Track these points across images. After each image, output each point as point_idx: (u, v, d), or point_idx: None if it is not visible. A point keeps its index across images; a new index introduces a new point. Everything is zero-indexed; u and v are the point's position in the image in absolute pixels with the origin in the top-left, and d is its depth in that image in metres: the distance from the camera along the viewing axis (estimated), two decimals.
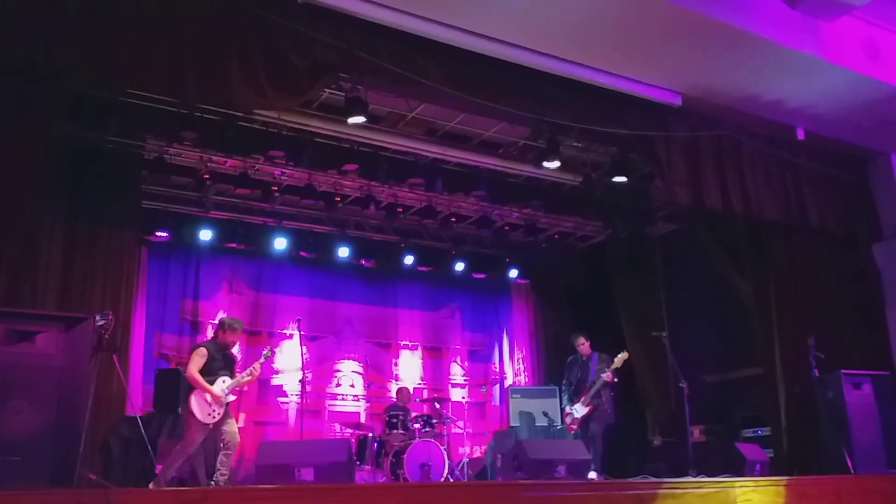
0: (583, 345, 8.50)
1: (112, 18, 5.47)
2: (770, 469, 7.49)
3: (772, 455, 8.28)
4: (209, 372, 6.69)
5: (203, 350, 6.80)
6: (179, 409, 6.33)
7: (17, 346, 4.58)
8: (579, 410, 8.21)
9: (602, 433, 8.16)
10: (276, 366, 10.03)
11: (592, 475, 7.52)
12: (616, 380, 8.24)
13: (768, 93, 7.81)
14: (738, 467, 7.03)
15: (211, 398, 6.54)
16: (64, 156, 7.13)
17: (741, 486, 5.89)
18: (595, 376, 8.23)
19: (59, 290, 7.37)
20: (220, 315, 9.86)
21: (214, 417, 6.55)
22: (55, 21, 5.28)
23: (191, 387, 6.49)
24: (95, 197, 7.87)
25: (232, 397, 6.67)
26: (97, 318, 4.96)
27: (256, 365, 6.86)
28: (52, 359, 4.63)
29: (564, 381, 8.61)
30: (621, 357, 8.17)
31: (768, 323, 8.92)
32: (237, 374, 6.85)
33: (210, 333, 9.76)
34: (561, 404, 8.69)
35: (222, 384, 6.65)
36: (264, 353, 7.09)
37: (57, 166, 6.70)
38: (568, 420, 8.37)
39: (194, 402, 6.52)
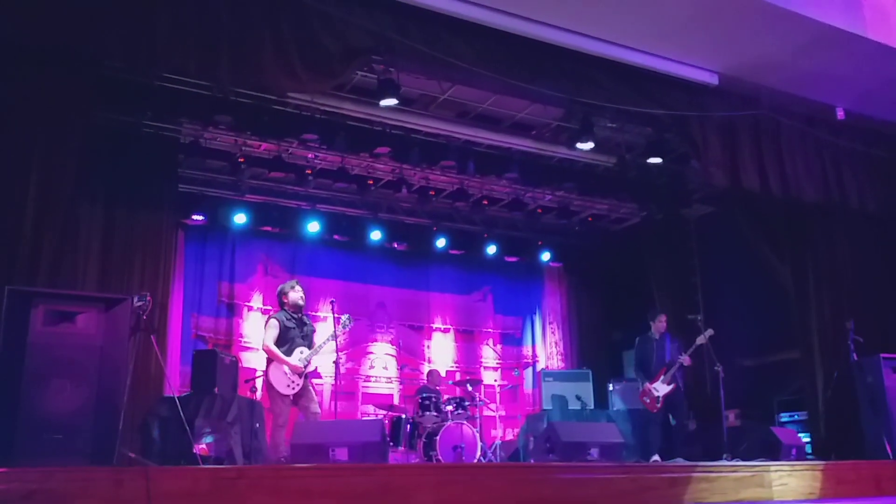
0: (662, 321, 8.58)
1: (148, 3, 5.53)
2: (807, 454, 7.41)
3: (809, 440, 8.19)
4: (285, 342, 6.84)
5: (274, 321, 6.96)
6: (216, 390, 6.42)
7: (59, 327, 4.66)
8: (660, 388, 8.24)
9: (667, 418, 8.26)
10: None
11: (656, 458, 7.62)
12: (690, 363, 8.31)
13: (807, 71, 7.63)
14: (774, 452, 6.97)
15: (289, 370, 6.68)
16: (102, 140, 7.23)
17: (777, 471, 5.84)
18: (671, 355, 8.29)
19: (99, 272, 7.52)
20: (256, 296, 10.00)
21: (294, 388, 6.72)
22: (92, 7, 5.34)
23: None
24: (133, 181, 7.98)
25: (312, 367, 6.83)
26: (136, 299, 5.03)
27: (337, 331, 7.00)
28: (92, 339, 4.71)
29: (636, 361, 8.66)
30: (706, 334, 8.19)
31: (806, 306, 8.79)
32: (314, 345, 6.95)
33: (245, 315, 9.93)
34: (640, 384, 8.69)
35: (300, 354, 6.78)
36: (343, 320, 7.19)
37: (95, 151, 6.79)
38: (646, 399, 8.36)
39: (272, 374, 6.69)
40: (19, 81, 5.42)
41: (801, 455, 7.12)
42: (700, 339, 8.21)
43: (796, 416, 8.97)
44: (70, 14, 5.27)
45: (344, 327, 7.21)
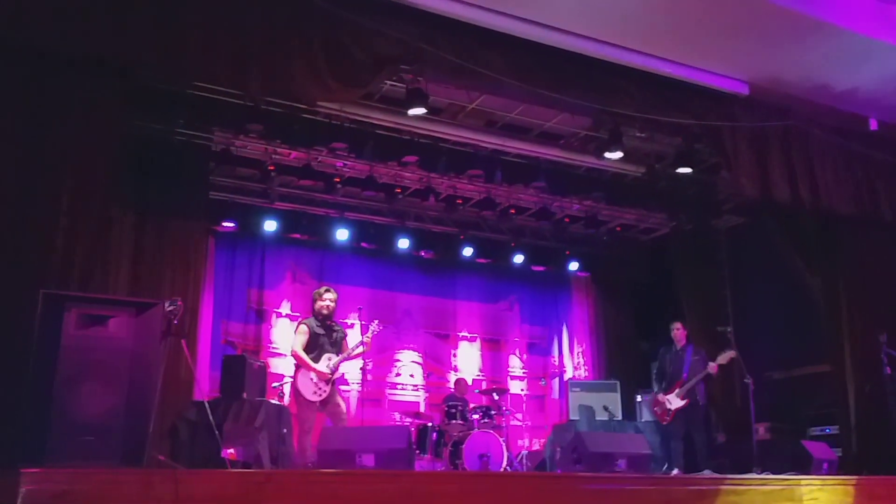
0: (678, 331, 8.48)
1: (179, 12, 5.64)
2: (838, 468, 7.29)
3: (840, 454, 8.05)
4: (313, 349, 6.89)
5: (304, 327, 7.01)
6: (244, 395, 6.48)
7: (91, 330, 4.71)
8: (674, 402, 8.16)
9: (706, 431, 8.17)
10: None
11: (676, 471, 7.55)
12: (716, 376, 8.19)
13: (839, 82, 7.58)
14: (805, 466, 6.85)
15: (316, 376, 6.72)
16: (134, 148, 7.33)
17: (807, 485, 5.75)
18: (689, 370, 8.18)
19: (130, 278, 7.62)
20: (285, 303, 10.07)
21: (320, 395, 6.76)
22: (125, 16, 5.45)
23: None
24: (165, 188, 8.09)
25: (339, 373, 6.91)
26: (167, 304, 5.08)
27: (366, 338, 7.05)
28: (123, 343, 4.75)
29: (655, 371, 8.62)
30: (728, 355, 8.03)
31: (837, 318, 8.66)
32: (345, 349, 6.99)
33: (274, 321, 10.01)
34: (648, 392, 8.67)
35: (328, 361, 6.82)
36: (371, 327, 7.23)
37: (127, 158, 6.89)
38: (658, 410, 8.31)
39: (299, 381, 6.75)
40: (54, 90, 5.52)
41: (832, 469, 7.01)
42: (721, 359, 8.06)
43: (827, 430, 8.83)
44: (104, 24, 5.38)
45: (373, 333, 7.24)
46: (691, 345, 8.47)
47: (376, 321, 7.46)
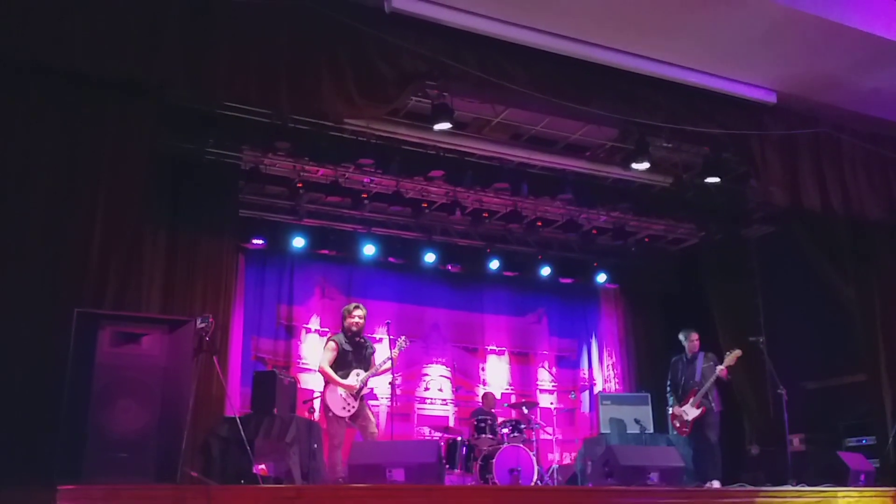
0: (694, 341, 8.41)
1: (209, 33, 5.72)
2: (876, 480, 7.15)
3: (877, 465, 7.90)
4: (342, 366, 6.94)
5: (332, 344, 7.08)
6: (275, 410, 6.52)
7: (125, 348, 4.79)
8: (690, 412, 8.09)
9: (718, 439, 8.04)
10: None
11: (716, 484, 7.42)
12: (729, 377, 8.12)
13: (868, 88, 7.48)
14: (842, 477, 6.74)
15: (345, 392, 6.77)
16: (165, 167, 7.46)
17: (844, 497, 5.68)
18: (701, 376, 8.12)
19: (162, 295, 7.71)
20: (314, 319, 10.13)
21: (349, 410, 6.82)
22: (155, 37, 5.54)
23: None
24: (195, 206, 8.20)
25: (368, 388, 6.98)
26: (198, 320, 5.14)
27: (393, 353, 7.12)
28: (156, 360, 4.82)
29: (669, 382, 8.52)
30: (735, 354, 8.03)
31: (872, 327, 8.53)
32: (373, 365, 7.03)
33: (303, 337, 10.07)
34: (667, 405, 8.57)
35: (356, 377, 6.87)
36: (399, 342, 7.28)
37: (159, 177, 7.00)
38: (677, 423, 8.23)
39: (328, 397, 6.80)
40: (87, 110, 5.63)
41: (869, 481, 6.89)
42: (728, 360, 8.04)
43: (864, 441, 8.68)
44: (136, 46, 5.48)
45: (400, 349, 7.27)
46: (702, 352, 8.40)
47: (404, 337, 7.49)
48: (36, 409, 4.86)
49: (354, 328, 7.23)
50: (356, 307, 7.33)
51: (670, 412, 8.49)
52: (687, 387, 8.24)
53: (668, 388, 8.56)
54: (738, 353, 8.07)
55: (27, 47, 5.25)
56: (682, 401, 8.24)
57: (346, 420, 6.91)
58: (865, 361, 8.63)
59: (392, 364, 7.16)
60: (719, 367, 8.04)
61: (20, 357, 4.99)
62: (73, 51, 5.34)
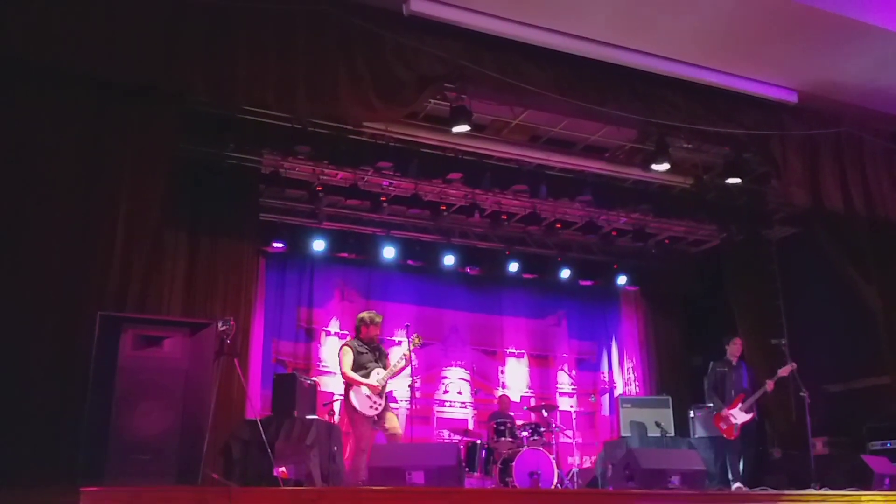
0: (736, 346, 8.41)
1: (229, 39, 5.77)
2: None
3: None
4: (360, 366, 7.02)
5: (347, 348, 7.14)
6: (295, 413, 6.55)
7: (147, 351, 4.83)
8: (739, 416, 8.06)
9: (745, 446, 8.10)
10: None
11: (738, 485, 7.44)
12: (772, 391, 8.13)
13: (890, 86, 7.41)
14: (866, 481, 6.66)
15: (369, 391, 6.81)
16: (186, 171, 7.52)
17: (869, 501, 5.61)
18: (748, 383, 8.14)
19: (184, 298, 7.77)
20: (334, 322, 10.17)
21: (377, 409, 6.87)
22: (176, 44, 5.61)
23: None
24: (216, 210, 8.27)
25: (388, 389, 7.05)
26: (219, 323, 5.18)
27: (407, 351, 7.20)
28: (178, 363, 4.86)
29: (709, 386, 8.45)
30: (787, 367, 7.99)
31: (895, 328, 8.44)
32: (389, 366, 7.12)
33: (323, 340, 10.10)
34: (695, 409, 8.61)
35: (377, 375, 6.93)
36: (412, 339, 7.36)
37: (180, 182, 7.06)
38: (723, 426, 8.17)
39: (353, 398, 6.87)
40: (109, 116, 5.69)
41: (894, 485, 6.80)
42: (782, 372, 8.00)
43: (888, 445, 8.57)
44: (156, 53, 5.55)
45: (414, 345, 7.31)
46: (744, 361, 8.38)
47: (416, 334, 7.54)
48: (59, 412, 4.91)
49: (369, 338, 7.29)
50: (370, 320, 7.36)
51: (711, 413, 8.43)
52: (735, 392, 8.21)
53: (709, 392, 8.49)
54: (791, 366, 7.98)
55: (50, 54, 5.33)
56: (728, 404, 8.20)
57: (373, 420, 6.95)
58: (889, 363, 8.53)
59: (406, 362, 7.21)
60: (768, 382, 8.01)
61: (43, 360, 5.05)
62: (93, 58, 5.41)
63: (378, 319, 7.40)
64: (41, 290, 5.20)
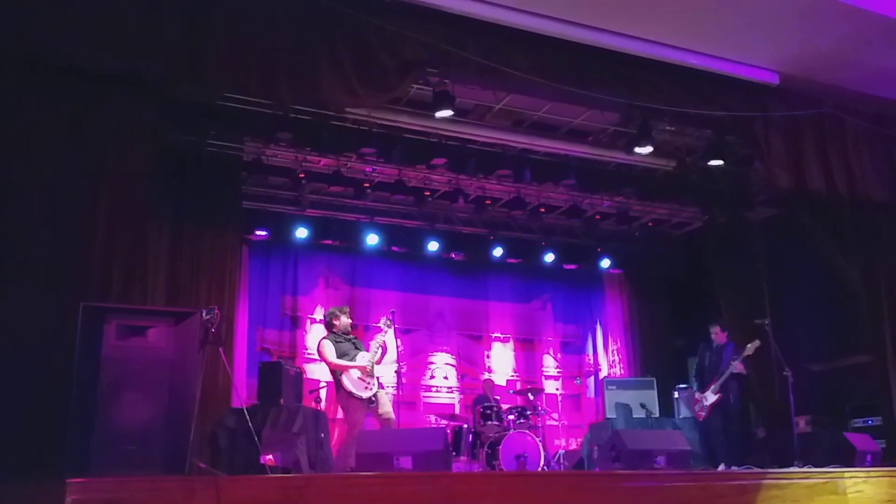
0: (718, 334, 8.60)
1: (209, 25, 5.71)
2: (882, 460, 7.16)
3: (884, 445, 7.91)
4: (343, 354, 7.03)
5: (326, 341, 7.20)
6: (282, 401, 6.54)
7: (131, 341, 4.78)
8: (709, 398, 8.29)
9: (724, 427, 8.22)
10: None
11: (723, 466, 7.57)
12: (747, 372, 8.27)
13: (872, 68, 7.44)
14: (848, 458, 6.76)
15: (360, 372, 6.85)
16: (168, 160, 7.45)
17: (851, 477, 5.68)
18: (727, 365, 8.24)
19: (167, 288, 7.71)
20: (319, 309, 10.14)
21: (371, 388, 6.91)
22: (155, 31, 5.53)
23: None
24: (199, 199, 8.20)
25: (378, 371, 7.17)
26: (204, 312, 5.15)
27: (379, 337, 7.30)
28: (162, 352, 4.82)
29: (695, 368, 8.72)
30: (752, 345, 8.12)
31: (878, 308, 8.51)
32: (370, 351, 7.23)
33: (308, 327, 10.08)
34: (679, 390, 8.83)
35: (363, 358, 6.97)
36: (383, 321, 7.39)
37: (162, 170, 7.01)
38: (697, 407, 8.45)
39: (347, 383, 6.91)
40: (90, 105, 5.62)
41: (876, 461, 6.89)
42: (747, 351, 8.15)
43: (870, 422, 8.69)
44: (134, 40, 5.47)
45: (387, 326, 7.34)
46: (732, 343, 8.51)
47: (384, 317, 7.51)
48: (43, 403, 4.87)
49: (346, 331, 7.36)
50: (338, 312, 7.45)
51: (690, 394, 8.63)
52: (711, 375, 8.44)
53: (694, 374, 8.80)
54: (756, 343, 8.13)
55: (28, 43, 5.24)
56: (703, 387, 8.43)
57: (370, 400, 6.97)
58: (871, 342, 8.61)
59: (382, 350, 7.26)
60: (734, 362, 8.16)
61: (26, 351, 5.00)
62: (73, 46, 5.33)
63: (346, 310, 7.51)
64: (23, 281, 5.15)
